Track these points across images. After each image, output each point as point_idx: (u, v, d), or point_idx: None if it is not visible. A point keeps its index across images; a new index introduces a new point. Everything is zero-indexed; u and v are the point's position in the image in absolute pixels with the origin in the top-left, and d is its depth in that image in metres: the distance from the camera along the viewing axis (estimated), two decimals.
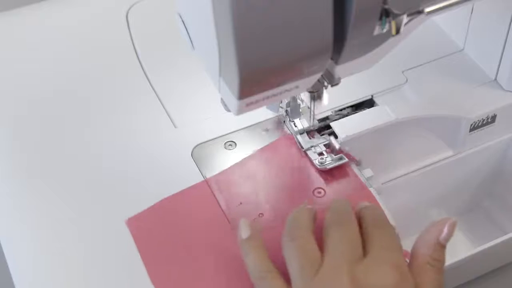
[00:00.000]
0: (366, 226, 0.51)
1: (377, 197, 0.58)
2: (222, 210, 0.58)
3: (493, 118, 0.66)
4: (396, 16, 0.46)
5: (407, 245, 0.54)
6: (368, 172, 0.60)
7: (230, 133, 0.63)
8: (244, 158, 0.61)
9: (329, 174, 0.60)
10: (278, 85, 0.47)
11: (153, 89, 0.68)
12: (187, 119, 0.65)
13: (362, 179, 0.60)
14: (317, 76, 0.49)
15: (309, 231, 0.51)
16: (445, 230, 0.51)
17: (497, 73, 0.67)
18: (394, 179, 0.66)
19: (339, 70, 0.49)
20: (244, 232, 0.52)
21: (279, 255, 0.51)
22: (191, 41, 0.52)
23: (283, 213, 0.57)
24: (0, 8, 0.76)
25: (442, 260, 0.51)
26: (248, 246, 0.51)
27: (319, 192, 0.59)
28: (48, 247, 0.57)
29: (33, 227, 0.58)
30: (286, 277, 0.50)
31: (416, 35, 0.52)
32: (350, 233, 0.50)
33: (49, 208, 0.59)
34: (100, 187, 0.61)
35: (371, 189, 0.59)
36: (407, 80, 0.67)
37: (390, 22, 0.46)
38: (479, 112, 0.65)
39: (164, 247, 0.56)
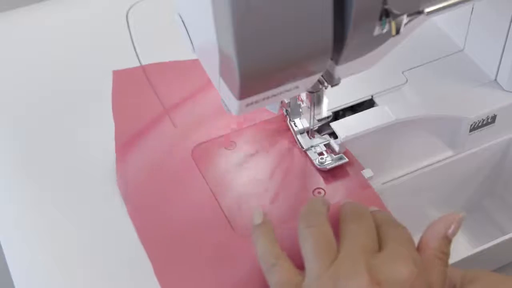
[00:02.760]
0: (380, 224, 0.51)
1: (377, 196, 0.58)
2: (223, 212, 0.58)
3: (493, 118, 0.66)
4: (396, 16, 0.46)
5: None
6: (368, 172, 0.60)
7: (230, 133, 0.63)
8: (244, 157, 0.61)
9: (330, 174, 0.60)
10: (278, 85, 0.47)
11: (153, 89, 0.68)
12: (187, 119, 0.65)
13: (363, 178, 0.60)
14: (317, 76, 0.49)
15: (326, 218, 0.50)
16: (453, 224, 0.51)
17: (497, 73, 0.67)
18: (394, 179, 0.66)
19: (339, 70, 0.49)
20: (256, 218, 0.52)
21: (284, 250, 0.51)
22: (191, 41, 0.52)
23: (282, 213, 0.57)
24: (0, 8, 0.76)
25: (448, 253, 0.51)
26: (259, 232, 0.51)
27: (319, 193, 0.59)
28: (48, 248, 0.57)
29: (33, 227, 0.58)
30: (295, 265, 0.50)
31: (416, 36, 0.52)
32: (367, 225, 0.50)
33: (49, 208, 0.59)
34: (100, 188, 0.61)
35: (371, 190, 0.59)
36: (407, 80, 0.67)
37: (390, 23, 0.46)
38: (479, 112, 0.65)
39: (168, 243, 0.56)
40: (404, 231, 0.51)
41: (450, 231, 0.51)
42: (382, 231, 0.50)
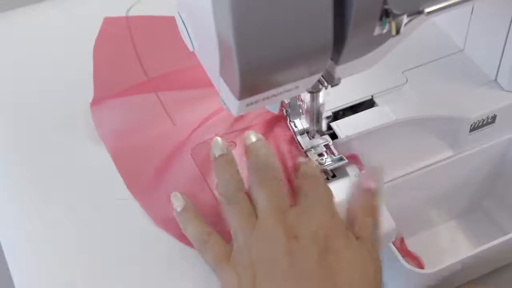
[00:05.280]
0: (298, 177, 0.55)
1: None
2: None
3: (493, 118, 0.66)
4: (396, 16, 0.46)
5: (408, 245, 0.54)
6: None
7: (230, 133, 0.63)
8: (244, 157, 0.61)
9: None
10: (278, 85, 0.47)
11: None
12: (187, 119, 0.65)
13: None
14: (317, 76, 0.49)
15: (241, 192, 0.54)
16: (375, 177, 0.55)
17: (497, 74, 0.67)
18: (394, 179, 0.66)
19: (339, 70, 0.49)
20: (178, 203, 0.56)
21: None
22: (191, 41, 0.52)
23: None
24: (0, 8, 0.76)
25: (375, 206, 0.54)
26: (187, 216, 0.55)
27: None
28: (48, 248, 0.57)
29: (33, 227, 0.58)
30: (225, 237, 0.54)
31: (416, 36, 0.52)
32: (274, 189, 0.53)
33: (49, 208, 0.59)
34: (99, 188, 0.61)
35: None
36: (407, 80, 0.67)
37: (390, 23, 0.46)
38: (479, 113, 0.65)
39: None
40: (319, 182, 0.54)
41: (371, 184, 0.54)
42: (299, 184, 0.54)
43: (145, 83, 0.67)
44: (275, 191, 0.53)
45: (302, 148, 0.62)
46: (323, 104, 0.59)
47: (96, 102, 0.67)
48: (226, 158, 0.55)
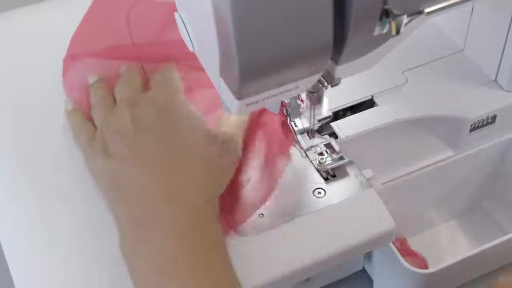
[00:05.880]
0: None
1: (377, 196, 0.58)
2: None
3: (493, 118, 0.66)
4: (396, 16, 0.46)
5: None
6: (368, 173, 0.60)
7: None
8: (244, 158, 0.61)
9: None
10: (278, 85, 0.47)
11: None
12: None
13: (362, 179, 0.60)
14: (317, 76, 0.49)
15: (106, 82, 0.63)
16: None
17: (497, 74, 0.67)
18: (394, 179, 0.66)
19: (339, 70, 0.49)
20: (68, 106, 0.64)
21: None
22: (191, 41, 0.52)
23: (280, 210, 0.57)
24: (0, 8, 0.76)
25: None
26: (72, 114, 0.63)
27: (319, 193, 0.59)
28: (48, 248, 0.57)
29: (33, 227, 0.58)
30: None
31: (416, 36, 0.52)
32: (129, 81, 0.62)
33: (49, 208, 0.59)
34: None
35: (371, 190, 0.59)
36: (407, 80, 0.67)
37: (390, 23, 0.46)
38: (479, 113, 0.65)
39: None
40: (165, 74, 0.61)
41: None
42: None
43: (128, 47, 0.66)
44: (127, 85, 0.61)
45: (302, 147, 0.62)
46: (323, 104, 0.59)
47: (70, 59, 0.66)
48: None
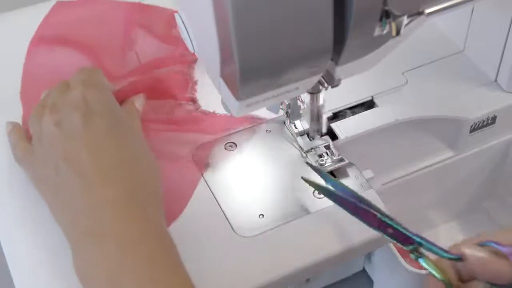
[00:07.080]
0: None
1: (377, 197, 0.58)
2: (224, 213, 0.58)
3: (493, 119, 0.66)
4: (396, 17, 0.46)
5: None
6: (368, 173, 0.60)
7: (230, 134, 0.63)
8: (244, 158, 0.61)
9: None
10: (278, 86, 0.47)
11: None
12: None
13: (362, 180, 0.60)
14: (317, 77, 0.49)
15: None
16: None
17: (497, 74, 0.67)
18: (394, 180, 0.66)
19: (339, 71, 0.49)
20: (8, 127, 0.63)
21: None
22: (191, 41, 0.52)
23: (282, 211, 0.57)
24: (0, 8, 0.76)
25: None
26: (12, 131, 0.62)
27: (319, 193, 0.59)
28: (48, 248, 0.57)
29: (33, 227, 0.58)
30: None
31: (416, 36, 0.52)
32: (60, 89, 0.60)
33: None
34: None
35: (371, 191, 0.59)
36: (407, 81, 0.67)
37: (390, 23, 0.46)
38: (479, 113, 0.65)
39: None
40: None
41: None
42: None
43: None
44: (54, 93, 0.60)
45: (302, 149, 0.62)
46: (323, 104, 0.59)
47: (36, 42, 0.67)
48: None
